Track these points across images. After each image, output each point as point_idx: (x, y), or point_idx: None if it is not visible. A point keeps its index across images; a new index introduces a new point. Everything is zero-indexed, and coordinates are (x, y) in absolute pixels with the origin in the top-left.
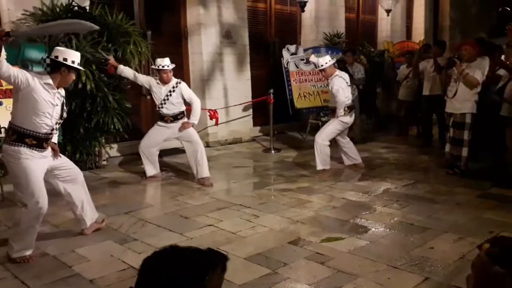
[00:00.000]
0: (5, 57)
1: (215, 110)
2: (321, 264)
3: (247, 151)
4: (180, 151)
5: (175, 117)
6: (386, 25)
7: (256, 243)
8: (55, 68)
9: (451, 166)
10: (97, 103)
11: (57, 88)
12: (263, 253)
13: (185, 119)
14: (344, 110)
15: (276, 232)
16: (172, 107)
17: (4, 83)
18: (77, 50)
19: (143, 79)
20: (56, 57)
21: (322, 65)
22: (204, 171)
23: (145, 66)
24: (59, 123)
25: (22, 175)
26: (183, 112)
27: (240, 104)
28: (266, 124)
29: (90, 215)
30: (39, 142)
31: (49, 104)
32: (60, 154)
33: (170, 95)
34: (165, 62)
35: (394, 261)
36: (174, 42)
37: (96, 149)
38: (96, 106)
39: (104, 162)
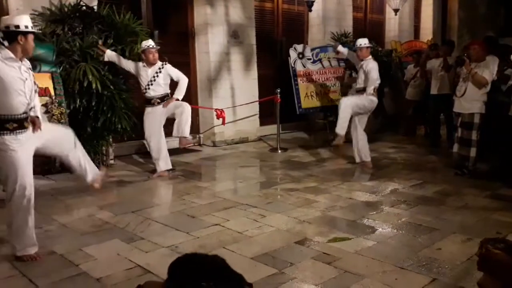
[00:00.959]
0: None
1: (222, 109)
2: (327, 264)
3: (254, 150)
4: (185, 150)
5: (162, 99)
6: (394, 25)
7: (262, 242)
8: (11, 39)
9: (459, 166)
10: (103, 102)
11: (21, 60)
12: (270, 253)
13: None
14: (374, 90)
15: (282, 232)
16: (159, 89)
17: None
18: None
19: (129, 64)
20: (7, 27)
21: (360, 44)
22: (185, 130)
23: None
24: (35, 103)
25: (9, 167)
26: (168, 94)
27: (247, 103)
28: (273, 123)
29: (91, 170)
30: (20, 123)
31: (18, 80)
32: (44, 126)
33: (157, 75)
34: (149, 42)
35: (402, 261)
36: (181, 42)
37: (104, 148)
38: (103, 105)
39: (111, 161)
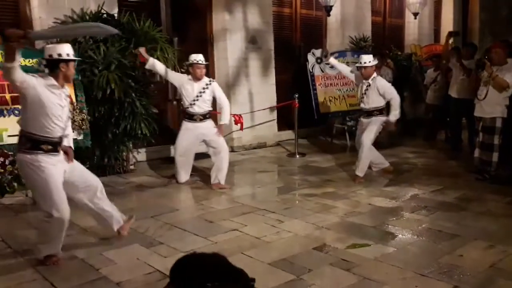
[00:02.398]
0: (20, 63)
1: (240, 115)
2: (346, 271)
3: (272, 155)
4: (206, 155)
5: (205, 116)
6: (414, 28)
7: (280, 248)
8: (54, 67)
9: (480, 171)
10: (124, 109)
11: (62, 87)
12: (288, 258)
13: (211, 121)
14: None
15: (301, 238)
16: (203, 105)
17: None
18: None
19: (175, 76)
20: (50, 55)
21: (365, 62)
22: (222, 177)
23: None
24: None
25: (42, 185)
26: (210, 112)
27: (265, 108)
28: (291, 128)
29: (116, 216)
30: (54, 146)
31: (58, 106)
32: (76, 163)
33: (204, 92)
34: (199, 57)
35: (422, 268)
36: (200, 48)
37: (124, 153)
38: (124, 111)
39: (132, 167)
